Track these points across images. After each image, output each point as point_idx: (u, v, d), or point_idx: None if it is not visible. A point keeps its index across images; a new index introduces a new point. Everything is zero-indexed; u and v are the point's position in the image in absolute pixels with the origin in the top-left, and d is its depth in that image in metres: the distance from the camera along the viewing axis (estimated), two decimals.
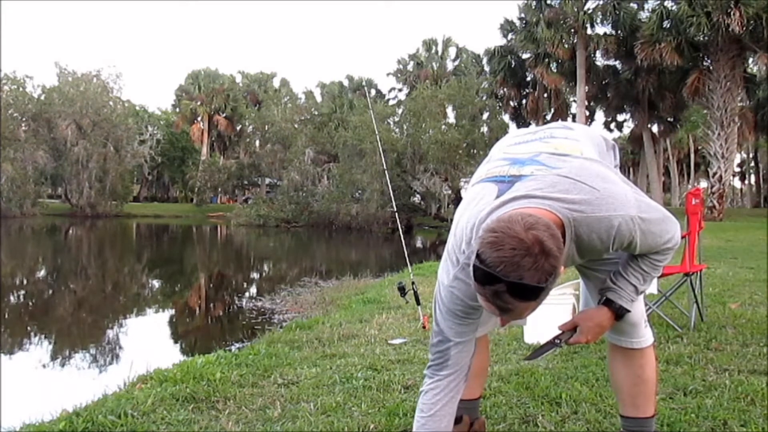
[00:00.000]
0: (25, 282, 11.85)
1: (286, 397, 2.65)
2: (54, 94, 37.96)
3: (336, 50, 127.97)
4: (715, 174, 24.53)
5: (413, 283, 4.14)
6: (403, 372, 3.01)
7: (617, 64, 30.19)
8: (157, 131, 49.36)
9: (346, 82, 51.57)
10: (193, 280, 12.93)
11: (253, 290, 11.02)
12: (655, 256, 1.61)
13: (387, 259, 15.26)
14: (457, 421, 1.85)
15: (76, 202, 38.54)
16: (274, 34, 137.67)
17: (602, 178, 1.51)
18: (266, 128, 40.59)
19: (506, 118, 35.37)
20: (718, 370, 2.92)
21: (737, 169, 50.61)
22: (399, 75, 47.63)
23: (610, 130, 37.42)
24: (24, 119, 37.39)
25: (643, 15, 26.50)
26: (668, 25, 24.19)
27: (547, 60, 29.42)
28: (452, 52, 46.88)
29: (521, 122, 35.46)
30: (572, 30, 28.25)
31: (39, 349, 6.18)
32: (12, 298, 9.57)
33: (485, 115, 32.60)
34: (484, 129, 31.78)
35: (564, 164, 1.53)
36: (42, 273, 13.79)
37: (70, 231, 28.78)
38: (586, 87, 29.52)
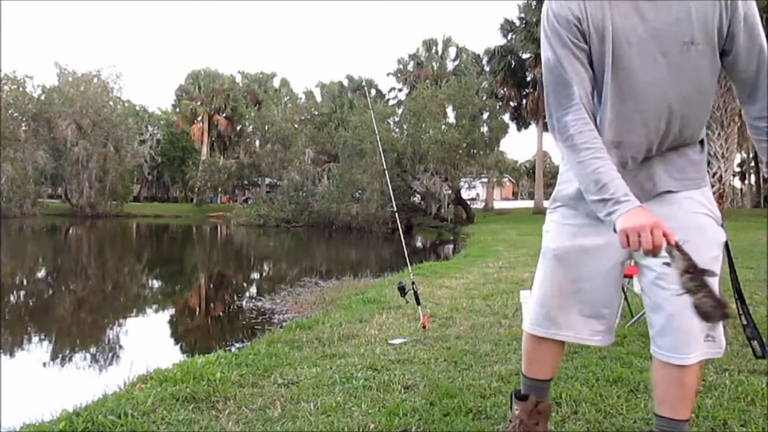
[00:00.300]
0: (25, 282, 11.85)
1: (286, 397, 2.65)
2: (54, 94, 37.96)
3: (336, 50, 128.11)
4: (715, 174, 24.31)
5: (413, 283, 4.14)
6: (403, 372, 3.01)
7: None
8: (157, 131, 49.39)
9: (346, 82, 51.62)
10: (193, 280, 12.93)
11: (253, 290, 11.01)
12: None
13: (387, 259, 15.25)
14: (523, 398, 1.82)
15: (76, 202, 38.53)
16: (274, 34, 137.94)
17: None
18: (266, 128, 40.57)
19: (506, 118, 35.42)
20: (718, 370, 2.93)
21: (737, 169, 50.60)
22: (399, 75, 47.64)
23: None
24: (24, 119, 37.37)
25: None
26: None
27: None
28: (452, 52, 46.92)
29: (521, 122, 35.49)
30: None
31: (39, 349, 6.18)
32: (12, 298, 9.56)
33: (485, 115, 32.58)
34: (484, 129, 31.77)
35: None
36: (42, 273, 13.78)
37: (70, 231, 28.77)
38: None
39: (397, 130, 31.39)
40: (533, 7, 29.31)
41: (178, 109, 53.47)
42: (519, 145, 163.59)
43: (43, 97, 38.32)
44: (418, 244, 23.34)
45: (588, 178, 1.46)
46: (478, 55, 40.46)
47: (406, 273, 5.21)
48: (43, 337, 6.79)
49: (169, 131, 53.50)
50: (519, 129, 37.73)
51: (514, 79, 33.42)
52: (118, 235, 28.14)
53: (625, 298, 4.22)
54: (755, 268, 7.48)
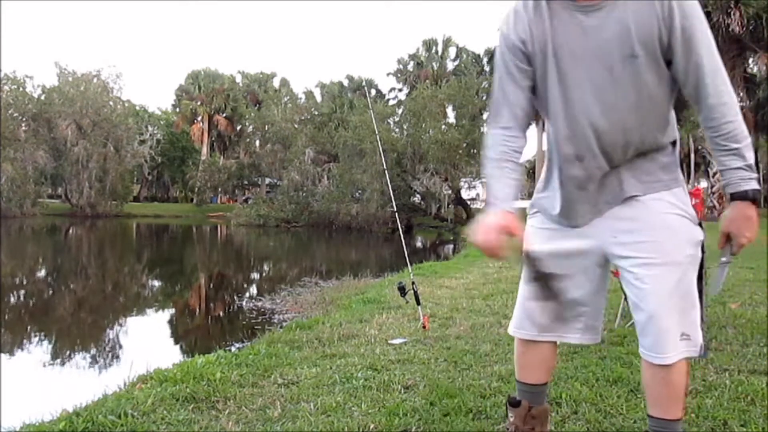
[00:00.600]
0: (25, 282, 11.85)
1: (286, 397, 2.65)
2: (54, 94, 37.97)
3: (336, 50, 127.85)
4: (715, 174, 24.51)
5: (413, 283, 4.14)
6: (403, 372, 3.01)
7: None
8: (157, 131, 49.43)
9: (346, 82, 51.61)
10: (193, 280, 12.93)
11: (253, 290, 11.02)
12: (724, 120, 1.51)
13: (387, 259, 15.25)
14: (516, 404, 1.82)
15: (76, 202, 38.54)
16: (274, 34, 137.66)
17: None
18: (266, 128, 40.60)
19: None
20: (718, 370, 2.93)
21: None
22: (399, 75, 47.66)
23: None
24: (24, 119, 37.38)
25: None
26: None
27: None
28: (452, 52, 46.94)
29: None
30: None
31: (39, 349, 6.18)
32: (12, 298, 9.57)
33: (485, 115, 32.58)
34: (484, 129, 31.76)
35: None
36: (42, 273, 13.79)
37: (70, 231, 28.78)
38: None
39: (397, 130, 31.42)
40: None
41: (178, 109, 53.48)
42: None
43: (43, 97, 38.34)
44: (418, 244, 23.35)
45: (487, 184, 1.62)
46: (478, 55, 40.53)
47: (406, 273, 5.21)
48: (43, 337, 6.79)
49: (169, 131, 53.50)
50: None
51: None
52: (118, 235, 28.15)
53: (625, 299, 4.22)
54: (755, 268, 7.48)
